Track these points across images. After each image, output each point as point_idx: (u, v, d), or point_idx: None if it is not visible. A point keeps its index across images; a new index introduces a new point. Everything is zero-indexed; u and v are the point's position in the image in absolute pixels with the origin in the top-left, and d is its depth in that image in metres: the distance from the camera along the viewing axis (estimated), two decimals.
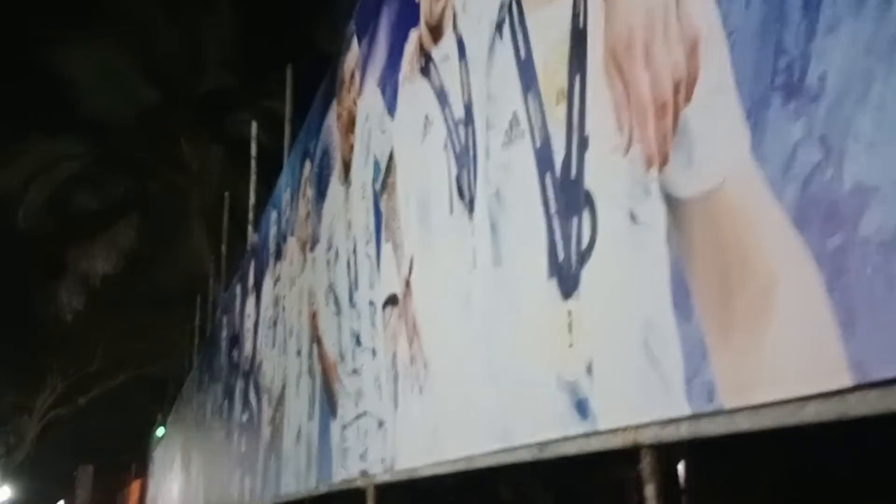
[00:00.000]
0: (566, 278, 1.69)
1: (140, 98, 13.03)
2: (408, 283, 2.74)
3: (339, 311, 3.68)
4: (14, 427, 27.41)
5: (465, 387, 2.21)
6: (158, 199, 13.90)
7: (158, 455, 21.39)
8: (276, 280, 5.52)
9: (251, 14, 12.93)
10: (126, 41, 12.80)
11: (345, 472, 3.35)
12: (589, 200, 1.62)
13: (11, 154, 13.01)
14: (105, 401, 28.17)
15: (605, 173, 1.57)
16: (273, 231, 5.83)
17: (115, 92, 12.85)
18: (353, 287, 3.47)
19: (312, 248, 4.37)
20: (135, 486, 37.26)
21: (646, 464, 1.43)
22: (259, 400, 5.80)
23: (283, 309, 5.14)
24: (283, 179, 5.55)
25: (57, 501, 48.06)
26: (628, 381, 1.46)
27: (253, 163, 7.73)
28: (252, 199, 7.49)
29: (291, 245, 5.04)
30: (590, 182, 1.62)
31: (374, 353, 3.08)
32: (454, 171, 2.38)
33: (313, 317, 4.21)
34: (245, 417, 6.42)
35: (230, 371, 7.67)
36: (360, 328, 3.31)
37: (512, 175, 1.99)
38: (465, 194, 2.28)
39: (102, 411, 29.31)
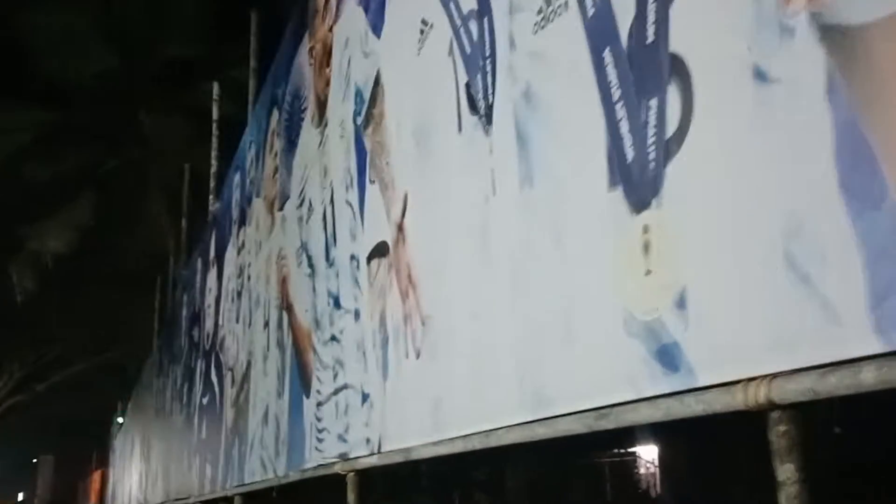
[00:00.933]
0: (639, 184, 1.23)
1: (97, 64, 12.26)
2: (400, 228, 2.26)
3: (313, 273, 3.19)
4: None
5: (479, 345, 1.74)
6: (116, 173, 13.15)
7: (118, 444, 20.69)
8: (240, 248, 5.00)
9: None
10: (84, 1, 12.03)
11: (320, 457, 2.88)
12: (677, 68, 1.16)
13: None
14: (64, 388, 27.29)
15: (707, 22, 1.11)
16: (236, 195, 5.30)
17: (70, 57, 12.06)
18: (329, 242, 2.99)
19: (281, 207, 3.88)
20: (95, 477, 36.39)
21: (781, 432, 0.98)
22: (221, 380, 5.29)
23: (248, 278, 4.63)
24: (247, 137, 5.02)
25: (16, 492, 46.93)
26: (751, 312, 1.01)
27: (214, 126, 7.17)
28: (214, 167, 6.93)
29: (257, 207, 4.53)
30: (678, 42, 1.16)
31: (356, 315, 2.60)
32: (463, 79, 1.91)
33: (283, 282, 3.72)
34: (206, 400, 5.91)
35: (190, 351, 7.13)
36: (339, 289, 2.83)
37: (549, 64, 1.53)
38: (480, 104, 1.81)
39: (62, 399, 28.43)
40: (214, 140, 7.07)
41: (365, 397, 2.45)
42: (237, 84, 8.24)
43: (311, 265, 3.24)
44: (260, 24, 5.51)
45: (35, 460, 47.17)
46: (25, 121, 12.33)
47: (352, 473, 2.60)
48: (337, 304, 2.83)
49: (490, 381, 1.68)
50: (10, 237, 12.98)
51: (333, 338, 2.84)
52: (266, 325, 4.03)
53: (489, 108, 1.76)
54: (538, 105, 1.56)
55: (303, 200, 3.45)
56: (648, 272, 1.20)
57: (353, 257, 2.69)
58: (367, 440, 2.39)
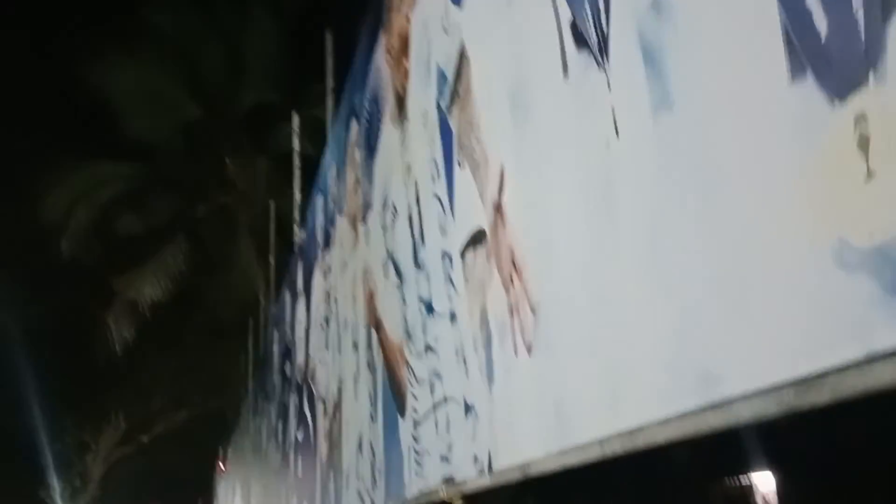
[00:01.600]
0: (842, 60, 0.89)
1: (182, 116, 12.53)
2: (498, 208, 1.95)
3: (401, 281, 2.91)
4: (79, 468, 27.18)
5: (609, 325, 1.41)
6: (205, 220, 13.36)
7: (221, 490, 20.85)
8: (326, 272, 4.79)
9: (292, 22, 12.38)
10: (165, 57, 12.35)
11: (422, 483, 2.56)
12: None
13: (53, 179, 12.62)
14: (168, 438, 27.89)
15: None
16: (320, 219, 5.11)
17: (156, 110, 12.37)
18: (417, 244, 2.70)
19: (364, 219, 3.63)
20: None
21: None
22: (314, 413, 5.05)
23: (335, 301, 4.39)
24: (327, 157, 4.84)
25: None
26: None
27: (296, 157, 7.07)
28: (297, 198, 6.81)
29: (341, 226, 4.31)
30: None
31: (452, 317, 2.29)
32: (566, 17, 1.60)
33: (370, 299, 3.45)
34: (301, 435, 5.68)
35: (283, 387, 6.96)
36: (430, 292, 2.53)
37: None
38: (590, 36, 1.49)
39: (166, 449, 29.04)
40: (297, 171, 6.96)
41: (468, 409, 2.13)
42: (317, 121, 8.16)
43: (398, 273, 2.96)
44: (335, 43, 5.37)
45: None
46: (115, 175, 12.67)
47: (458, 498, 2.27)
48: (429, 310, 2.53)
49: (627, 367, 1.34)
50: (108, 289, 13.31)
51: (428, 347, 2.53)
52: (355, 346, 3.76)
53: (603, 37, 1.45)
54: (671, 7, 1.23)
55: (386, 206, 3.18)
56: (870, 176, 0.85)
57: (444, 254, 2.39)
58: (475, 458, 2.06)
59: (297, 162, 7.04)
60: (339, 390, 4.14)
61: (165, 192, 13.12)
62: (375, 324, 3.32)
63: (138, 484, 33.78)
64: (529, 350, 1.73)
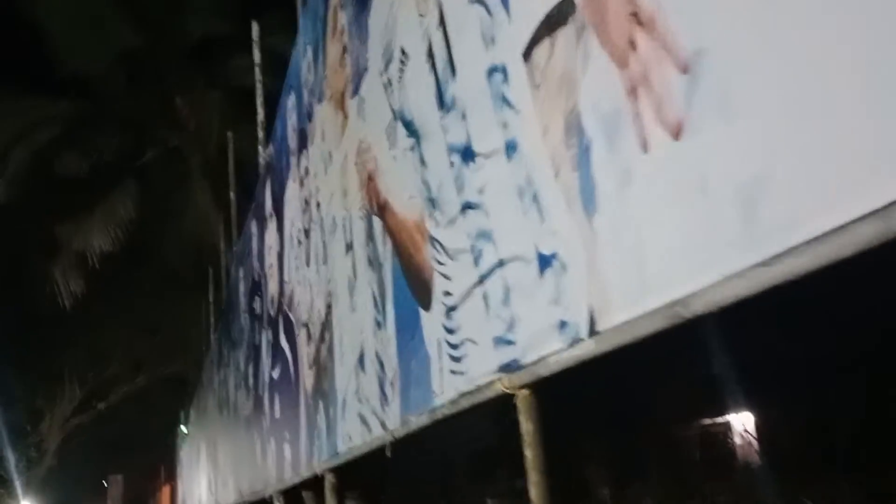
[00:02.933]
0: None
1: (125, 48, 11.51)
2: None
3: (418, 140, 2.30)
4: (33, 439, 26.17)
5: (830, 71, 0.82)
6: (155, 163, 12.44)
7: (185, 454, 20.20)
8: (303, 178, 4.14)
9: None
10: None
11: (462, 381, 1.98)
12: None
13: None
14: (126, 405, 27.06)
15: None
16: (292, 121, 4.45)
17: (96, 42, 11.34)
18: (443, 81, 2.08)
19: (356, 90, 2.99)
20: (165, 491, 36.26)
21: None
22: (293, 343, 4.45)
23: (318, 206, 3.76)
24: (300, 43, 4.16)
25: None
26: None
27: (257, 71, 6.34)
28: (260, 116, 6.11)
29: (321, 115, 3.66)
30: None
31: (510, 150, 1.69)
32: None
33: (369, 182, 2.83)
34: (277, 373, 5.07)
35: (252, 327, 6.32)
36: (467, 133, 1.92)
37: None
38: None
39: (125, 416, 28.21)
40: (259, 86, 6.24)
41: (546, 263, 1.55)
42: (274, 54, 7.39)
43: (412, 132, 2.34)
44: None
45: (104, 481, 47.46)
46: (54, 113, 11.62)
47: (524, 390, 1.70)
48: (467, 157, 1.92)
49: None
50: (51, 237, 12.36)
51: (467, 206, 1.93)
52: (349, 248, 3.15)
53: None
54: None
55: (390, 59, 2.55)
56: None
57: (493, 71, 1.78)
58: (562, 325, 1.48)
59: (258, 76, 6.31)
60: (329, 307, 3.53)
61: (110, 133, 12.14)
62: (379, 209, 2.71)
63: (97, 453, 32.92)
64: (678, 130, 1.14)
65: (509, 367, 1.72)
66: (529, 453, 1.70)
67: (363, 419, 2.93)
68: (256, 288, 6.09)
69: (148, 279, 15.64)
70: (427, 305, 2.24)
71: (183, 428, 22.03)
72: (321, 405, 3.68)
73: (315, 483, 4.48)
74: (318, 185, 3.76)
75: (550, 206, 1.53)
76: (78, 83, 11.64)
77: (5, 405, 22.29)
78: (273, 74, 6.93)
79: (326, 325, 3.58)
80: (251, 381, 6.42)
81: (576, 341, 1.43)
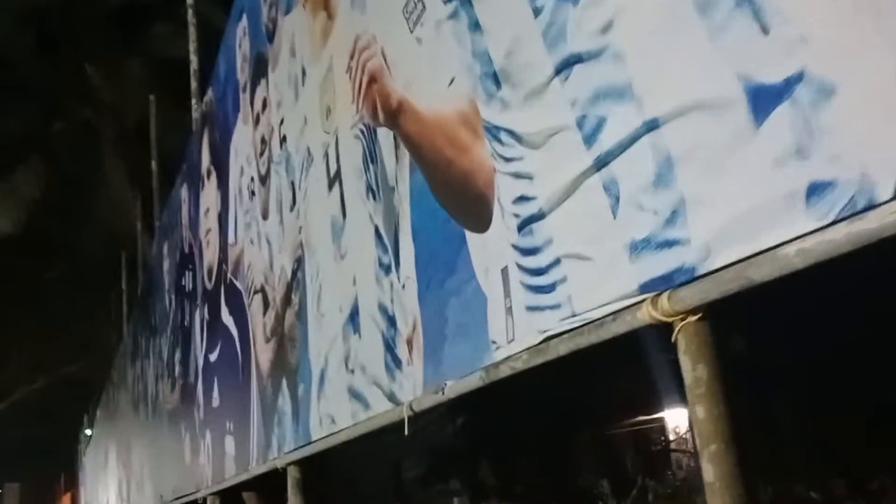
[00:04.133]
0: None
1: (35, 7, 10.34)
2: None
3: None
4: None
5: None
6: (63, 138, 11.27)
7: (89, 459, 18.82)
8: (259, 115, 3.45)
9: None
10: None
11: (550, 321, 1.37)
12: None
13: None
14: (24, 409, 25.24)
15: None
16: (243, 49, 3.74)
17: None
18: None
19: None
20: (65, 500, 34.21)
21: None
22: (242, 316, 3.74)
23: (283, 141, 3.08)
24: None
25: None
26: None
27: (190, 13, 5.56)
28: (193, 64, 5.34)
29: (290, 28, 2.99)
30: None
31: None
32: None
33: (371, 86, 2.18)
34: (215, 356, 4.35)
35: (180, 308, 5.55)
36: None
37: None
38: None
39: (22, 421, 26.36)
40: (192, 30, 5.47)
41: (770, 96, 0.96)
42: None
43: None
44: None
45: (0, 490, 44.61)
46: None
47: (691, 316, 1.10)
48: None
49: None
50: None
51: (572, 62, 1.33)
52: (333, 181, 2.50)
53: None
54: None
55: None
56: None
57: None
58: (817, 189, 0.90)
59: (191, 18, 5.53)
60: (299, 261, 2.86)
61: (14, 101, 10.95)
62: (390, 116, 2.07)
63: None
64: None
65: (666, 282, 1.13)
66: (701, 413, 1.10)
67: (356, 394, 2.28)
68: (186, 262, 5.32)
69: (51, 269, 14.38)
70: (482, 224, 1.62)
71: (87, 431, 20.58)
72: (284, 385, 3.01)
73: (264, 481, 3.80)
74: (282, 116, 3.08)
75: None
76: None
77: None
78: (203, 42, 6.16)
79: (294, 284, 2.91)
80: (178, 369, 5.64)
81: (859, 210, 0.85)
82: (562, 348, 1.37)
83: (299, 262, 2.86)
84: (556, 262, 1.38)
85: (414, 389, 1.91)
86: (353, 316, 2.32)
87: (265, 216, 3.34)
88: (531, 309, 1.45)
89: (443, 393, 1.76)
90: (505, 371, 1.55)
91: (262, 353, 3.34)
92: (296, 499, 2.98)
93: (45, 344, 21.31)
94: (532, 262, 1.45)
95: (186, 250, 5.31)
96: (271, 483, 4.64)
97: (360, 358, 2.27)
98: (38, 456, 32.31)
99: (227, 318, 4.05)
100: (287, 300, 2.99)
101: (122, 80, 10.44)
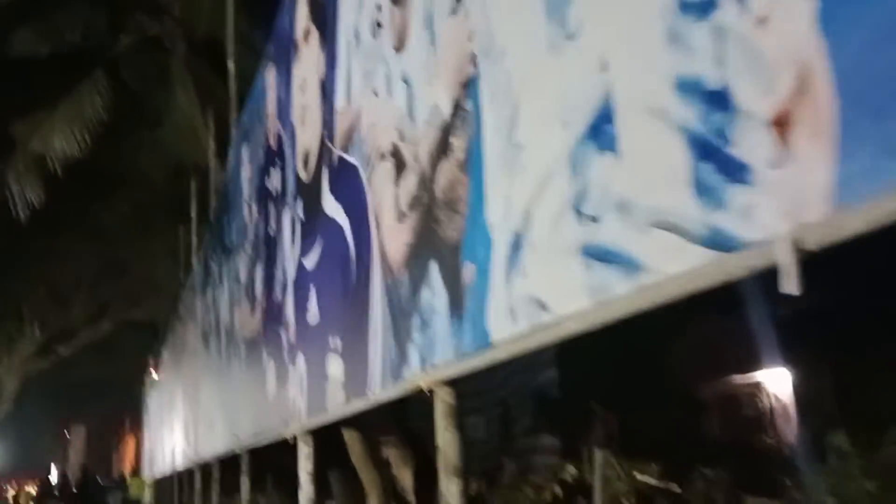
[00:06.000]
0: None
1: None
2: None
3: None
4: None
5: None
6: (131, 56, 10.52)
7: (153, 400, 18.56)
8: None
9: None
10: None
11: None
12: None
13: None
14: (90, 351, 25.29)
15: None
16: None
17: None
18: None
19: None
20: (130, 442, 34.67)
21: None
22: (357, 197, 2.86)
23: None
24: None
25: (46, 464, 45.55)
26: None
27: None
28: None
29: None
30: None
31: None
32: None
33: None
34: (314, 259, 3.50)
35: (265, 215, 4.71)
36: None
37: None
38: None
39: (88, 363, 26.49)
40: None
41: None
42: None
43: None
44: None
45: (66, 431, 45.70)
46: None
47: None
48: None
49: None
50: (6, 136, 10.43)
51: None
52: None
53: None
54: None
55: None
56: None
57: None
58: None
59: None
60: (466, 87, 1.94)
61: (76, 9, 10.18)
62: None
63: (58, 401, 31.16)
64: None
65: None
66: None
67: (603, 254, 1.36)
68: (272, 159, 4.46)
69: (115, 203, 13.82)
70: None
71: (153, 374, 20.35)
72: (434, 272, 2.11)
73: (369, 417, 2.96)
74: None
75: None
76: None
77: None
78: None
79: (457, 123, 1.99)
80: (259, 289, 4.83)
81: None
82: None
83: (468, 87, 1.93)
84: None
85: (797, 202, 0.97)
86: (599, 125, 1.39)
87: (400, 46, 2.41)
88: None
89: None
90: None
91: (393, 238, 2.45)
92: (448, 433, 2.10)
93: (110, 285, 21.08)
94: None
95: (273, 145, 4.46)
96: (377, 419, 3.80)
97: (615, 190, 1.34)
98: (103, 398, 32.68)
99: (332, 209, 3.17)
100: (442, 150, 2.07)
101: None
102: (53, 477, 40.23)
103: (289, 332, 3.94)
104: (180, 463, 10.65)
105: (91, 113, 9.83)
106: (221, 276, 6.64)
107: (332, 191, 3.18)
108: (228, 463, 7.06)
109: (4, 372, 24.29)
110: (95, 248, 17.59)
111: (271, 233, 4.45)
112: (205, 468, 8.62)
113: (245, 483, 5.48)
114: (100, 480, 26.67)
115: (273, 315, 4.35)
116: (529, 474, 5.62)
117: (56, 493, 21.99)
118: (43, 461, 44.41)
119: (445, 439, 2.10)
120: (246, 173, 5.44)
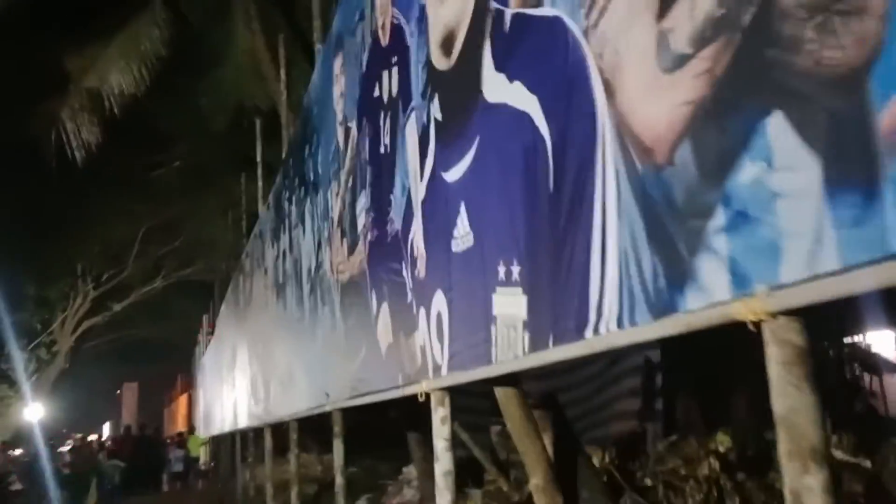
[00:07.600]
0: None
1: None
2: None
3: None
4: (45, 339, 24.17)
5: None
6: None
7: (208, 359, 18.16)
8: None
9: None
10: None
11: None
12: None
13: None
14: (143, 309, 25.10)
15: None
16: None
17: None
18: None
19: None
20: (182, 400, 34.79)
21: None
22: (559, 65, 2.04)
23: None
24: None
25: (100, 422, 46.17)
26: None
27: None
28: None
29: None
30: None
31: None
32: None
33: None
34: (462, 169, 2.69)
35: (371, 131, 3.92)
36: None
37: None
38: None
39: (141, 321, 26.35)
40: None
41: None
42: None
43: None
44: None
45: (118, 388, 46.23)
46: None
47: None
48: None
49: None
50: (60, 71, 9.80)
51: None
52: None
53: None
54: None
55: None
56: None
57: None
58: None
59: None
60: None
61: None
62: None
63: (112, 358, 31.21)
64: None
65: None
66: None
67: None
68: (385, 58, 3.65)
69: (173, 158, 13.21)
70: None
71: (207, 330, 19.97)
72: (774, 128, 1.28)
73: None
74: None
75: None
76: None
77: (14, 302, 20.08)
78: None
79: None
80: (364, 220, 4.06)
81: None
82: None
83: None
84: None
85: None
86: None
87: None
88: None
89: None
90: None
91: (650, 102, 1.62)
92: (793, 390, 1.29)
93: (164, 244, 20.67)
94: None
95: (385, 40, 3.64)
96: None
97: None
98: (155, 356, 32.71)
99: (502, 92, 2.35)
100: None
101: None
102: (105, 433, 40.66)
103: (416, 268, 3.15)
104: (244, 422, 10.09)
105: (149, 47, 9.15)
106: (303, 217, 5.89)
107: (504, 67, 2.35)
108: (304, 423, 6.47)
109: (59, 329, 24.21)
110: (150, 206, 17.12)
111: (383, 150, 3.65)
112: (276, 428, 8.02)
113: (338, 446, 4.80)
114: (158, 436, 26.66)
115: (387, 250, 3.58)
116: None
117: (116, 448, 21.88)
118: (97, 418, 45.03)
119: (787, 403, 1.28)
120: (339, 89, 4.64)
